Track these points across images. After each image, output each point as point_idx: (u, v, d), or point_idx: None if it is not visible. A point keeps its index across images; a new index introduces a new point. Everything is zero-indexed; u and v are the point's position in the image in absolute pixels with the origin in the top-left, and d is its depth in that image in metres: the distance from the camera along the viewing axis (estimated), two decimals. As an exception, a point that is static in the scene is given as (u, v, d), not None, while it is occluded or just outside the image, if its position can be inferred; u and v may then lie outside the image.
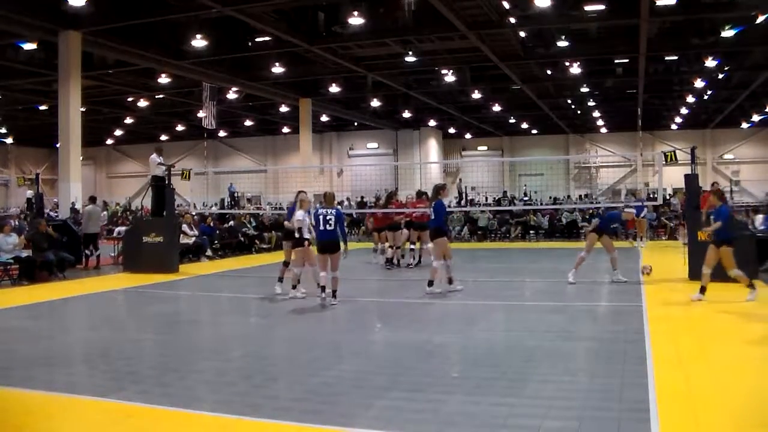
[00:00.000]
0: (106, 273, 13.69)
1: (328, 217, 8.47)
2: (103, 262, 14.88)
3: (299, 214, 8.86)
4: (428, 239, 10.99)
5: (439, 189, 9.82)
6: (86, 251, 14.46)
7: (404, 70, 24.15)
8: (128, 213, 30.11)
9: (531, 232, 22.22)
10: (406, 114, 32.76)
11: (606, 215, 11.61)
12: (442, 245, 9.41)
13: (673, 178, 18.07)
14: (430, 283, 9.48)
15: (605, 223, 11.20)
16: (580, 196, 32.89)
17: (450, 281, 9.68)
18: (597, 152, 38.99)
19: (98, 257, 14.65)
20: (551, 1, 15.83)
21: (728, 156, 37.47)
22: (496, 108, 30.75)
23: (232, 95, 27.48)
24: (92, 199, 15.71)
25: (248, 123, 36.69)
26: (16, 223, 21.05)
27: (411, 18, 18.09)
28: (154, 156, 14.63)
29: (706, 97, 28.35)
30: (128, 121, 34.90)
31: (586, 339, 6.74)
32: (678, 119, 34.90)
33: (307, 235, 8.81)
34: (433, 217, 9.66)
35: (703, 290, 8.76)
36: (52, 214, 20.13)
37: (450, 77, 24.05)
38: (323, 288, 8.54)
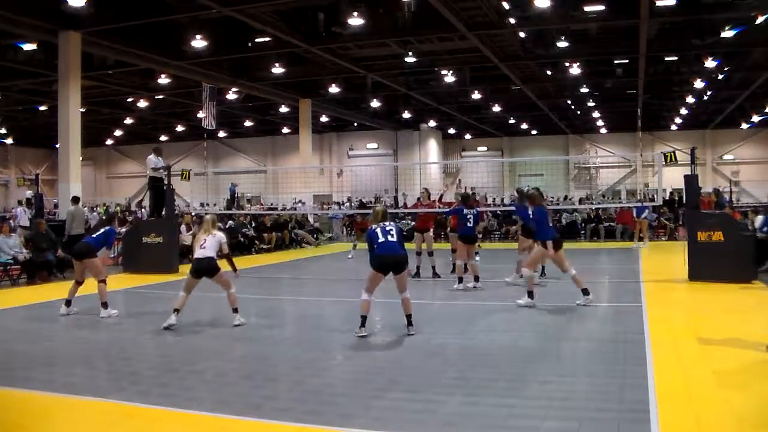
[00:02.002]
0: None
1: (388, 228, 6.92)
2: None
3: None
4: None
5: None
6: None
7: (404, 71, 24.14)
8: (127, 213, 30.10)
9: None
10: (406, 114, 32.75)
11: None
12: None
13: (673, 178, 18.06)
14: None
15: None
16: (581, 199, 32.92)
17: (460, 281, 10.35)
18: (597, 153, 38.99)
19: None
20: (551, 1, 15.82)
21: (728, 156, 37.47)
22: (496, 108, 30.75)
23: (232, 96, 27.47)
24: (75, 200, 15.19)
25: (248, 123, 36.68)
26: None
27: (411, 18, 18.09)
28: (151, 157, 14.62)
29: (705, 98, 28.35)
30: (128, 121, 34.90)
31: (585, 339, 6.74)
32: (678, 120, 34.89)
33: None
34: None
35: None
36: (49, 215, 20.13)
37: (450, 77, 24.03)
38: (363, 319, 6.77)
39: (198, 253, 7.61)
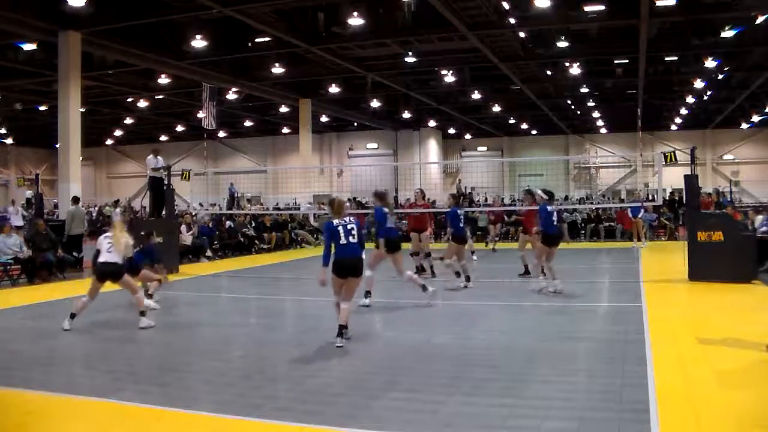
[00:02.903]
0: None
1: (350, 227, 6.52)
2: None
3: None
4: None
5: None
6: (74, 253, 13.94)
7: (404, 71, 24.14)
8: (130, 214, 30.08)
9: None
10: (406, 114, 32.77)
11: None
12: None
13: (673, 178, 18.07)
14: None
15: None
16: (581, 199, 32.89)
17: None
18: (597, 153, 38.99)
19: (81, 260, 14.18)
20: (551, 1, 15.83)
21: (728, 156, 37.46)
22: (496, 108, 30.75)
23: (232, 96, 27.48)
24: (75, 200, 15.27)
25: (248, 123, 36.69)
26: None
27: (411, 18, 18.10)
28: (150, 157, 14.66)
29: (705, 98, 28.34)
30: (128, 121, 34.91)
31: (585, 339, 6.74)
32: (678, 119, 34.89)
33: None
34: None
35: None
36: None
37: (450, 77, 24.04)
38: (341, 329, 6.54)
39: (103, 257, 7.52)
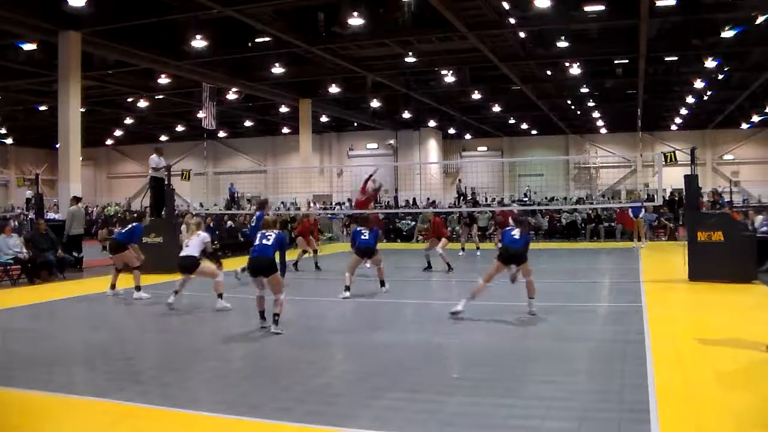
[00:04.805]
0: (106, 273, 13.66)
1: (267, 234, 7.40)
2: (108, 262, 14.82)
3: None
4: None
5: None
6: (74, 253, 13.96)
7: (404, 71, 24.14)
8: (128, 213, 30.07)
9: (531, 232, 22.18)
10: (406, 114, 32.75)
11: None
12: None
13: (673, 178, 18.07)
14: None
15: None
16: (581, 199, 32.86)
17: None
18: (597, 153, 38.99)
19: (81, 260, 14.25)
20: (551, 1, 15.82)
21: (728, 156, 37.45)
22: (496, 108, 30.73)
23: (231, 96, 27.46)
24: (76, 200, 15.17)
25: (248, 123, 36.66)
26: (16, 224, 20.88)
27: (411, 18, 18.10)
28: (153, 156, 14.67)
29: (705, 98, 28.31)
30: (128, 121, 34.89)
31: (585, 340, 6.74)
32: (678, 120, 34.86)
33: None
34: None
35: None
36: (52, 215, 20.05)
37: (450, 77, 24.03)
38: (261, 314, 7.48)
39: (182, 252, 8.76)
